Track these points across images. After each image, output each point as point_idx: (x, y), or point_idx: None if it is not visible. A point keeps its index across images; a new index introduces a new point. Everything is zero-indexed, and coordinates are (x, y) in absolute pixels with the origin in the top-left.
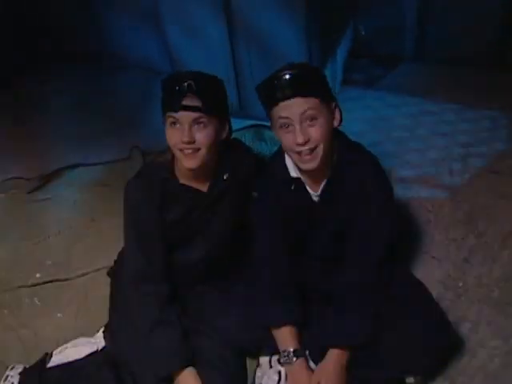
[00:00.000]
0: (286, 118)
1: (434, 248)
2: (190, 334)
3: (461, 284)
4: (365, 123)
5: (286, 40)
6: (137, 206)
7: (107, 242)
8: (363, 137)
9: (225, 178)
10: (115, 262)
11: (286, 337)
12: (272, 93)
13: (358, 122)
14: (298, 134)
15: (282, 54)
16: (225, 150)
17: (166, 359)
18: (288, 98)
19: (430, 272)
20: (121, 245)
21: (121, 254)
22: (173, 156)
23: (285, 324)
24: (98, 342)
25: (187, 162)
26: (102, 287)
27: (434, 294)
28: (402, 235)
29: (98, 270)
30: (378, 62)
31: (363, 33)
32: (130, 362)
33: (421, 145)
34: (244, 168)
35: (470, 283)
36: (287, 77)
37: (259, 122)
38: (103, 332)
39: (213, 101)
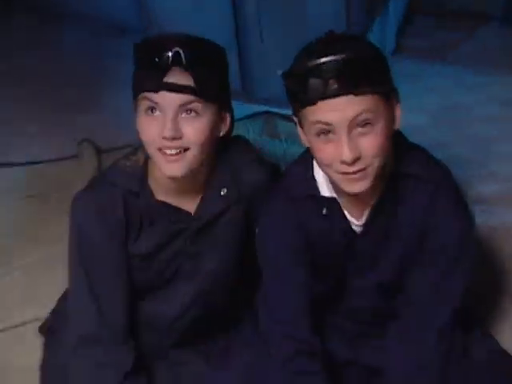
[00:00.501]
0: (328, 124)
1: None
2: None
3: None
4: (426, 114)
5: None
6: (88, 233)
7: (38, 283)
8: (423, 134)
9: (222, 193)
10: (52, 312)
11: None
12: (308, 87)
13: (416, 112)
14: (346, 148)
15: (305, 8)
16: (223, 153)
17: None
18: (334, 95)
19: None
20: (60, 288)
21: (61, 302)
22: (146, 159)
23: None
24: None
25: (169, 168)
26: (30, 349)
27: None
28: (482, 279)
29: (24, 323)
30: (448, 22)
31: None
32: None
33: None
34: (251, 180)
35: None
36: (334, 64)
37: (270, 109)
38: None
39: (210, 79)
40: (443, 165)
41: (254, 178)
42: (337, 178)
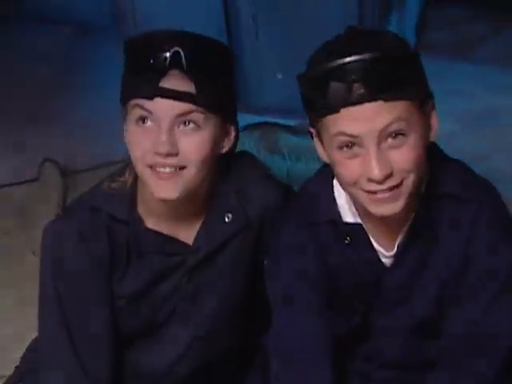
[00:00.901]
0: (353, 136)
1: None
2: None
3: None
4: (452, 120)
5: None
6: (66, 268)
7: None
8: (451, 144)
9: (227, 219)
10: (18, 366)
11: None
12: (327, 92)
13: (442, 118)
14: (374, 164)
15: (311, 3)
16: (227, 171)
17: None
18: (360, 102)
19: None
20: (25, 337)
21: (29, 355)
22: (135, 179)
23: None
24: None
25: (161, 189)
26: None
27: None
28: None
29: None
30: (476, 11)
31: None
32: None
33: None
34: (260, 199)
35: None
36: (359, 64)
37: (268, 120)
38: None
39: (214, 85)
40: (485, 181)
41: (264, 197)
42: (363, 198)
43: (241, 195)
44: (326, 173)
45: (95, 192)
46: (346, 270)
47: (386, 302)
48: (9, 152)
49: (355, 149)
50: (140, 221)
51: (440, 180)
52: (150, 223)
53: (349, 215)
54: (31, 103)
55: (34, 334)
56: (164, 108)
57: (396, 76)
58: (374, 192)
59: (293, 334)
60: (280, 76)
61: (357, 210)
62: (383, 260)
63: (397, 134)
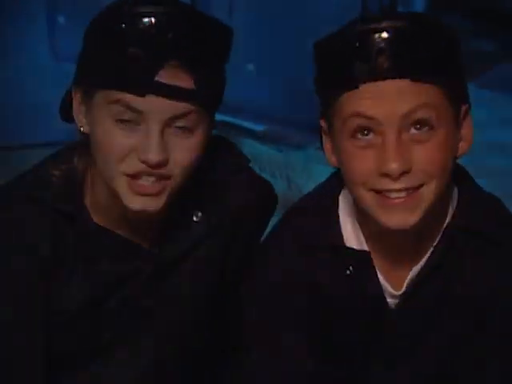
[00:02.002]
0: (371, 118)
1: None
2: None
3: None
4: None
5: None
6: None
7: None
8: None
9: (195, 218)
10: None
11: None
12: (350, 63)
13: None
14: (392, 155)
15: None
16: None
17: None
18: (384, 77)
19: None
20: None
21: None
22: (85, 167)
23: None
24: None
25: (139, 202)
26: None
27: None
28: None
29: None
30: (487, 26)
31: None
32: None
33: None
34: (241, 200)
35: None
36: (392, 34)
37: (227, 118)
38: None
39: (215, 80)
40: None
41: (241, 196)
42: (372, 204)
43: (214, 193)
44: (331, 187)
45: (32, 180)
46: (343, 308)
47: (386, 352)
48: None
49: (371, 136)
50: (89, 218)
51: (469, 213)
52: (100, 221)
53: (354, 240)
54: None
55: None
56: (157, 108)
57: (429, 55)
58: (387, 192)
59: (268, 375)
60: (251, 67)
61: (364, 234)
62: (388, 300)
63: (422, 125)
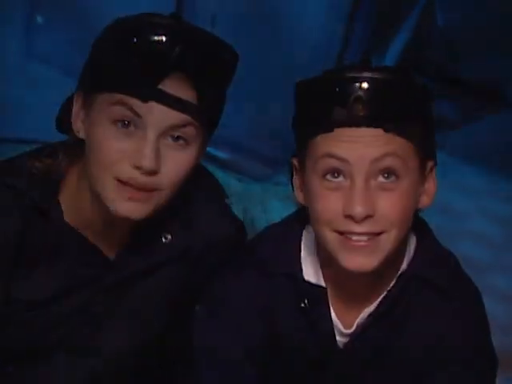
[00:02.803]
0: (343, 160)
1: None
2: None
3: None
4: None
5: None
6: None
7: None
8: None
9: (164, 240)
10: None
11: None
12: (327, 107)
13: None
14: (358, 197)
15: (292, 27)
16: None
17: None
18: (359, 125)
19: None
20: None
21: None
22: (70, 166)
23: None
24: None
25: (126, 207)
26: None
27: None
28: None
29: None
30: (449, 89)
31: (438, 24)
32: None
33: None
34: (211, 230)
35: None
36: (370, 84)
37: None
38: None
39: (217, 97)
40: (472, 282)
41: (213, 230)
42: (335, 243)
43: (187, 219)
44: (296, 220)
45: (13, 168)
46: (292, 338)
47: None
48: None
49: (340, 179)
50: (61, 215)
51: (425, 262)
52: (71, 220)
53: (312, 275)
54: None
55: None
56: (157, 115)
57: (404, 109)
58: (350, 234)
59: None
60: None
61: (323, 271)
62: (338, 338)
63: (390, 174)
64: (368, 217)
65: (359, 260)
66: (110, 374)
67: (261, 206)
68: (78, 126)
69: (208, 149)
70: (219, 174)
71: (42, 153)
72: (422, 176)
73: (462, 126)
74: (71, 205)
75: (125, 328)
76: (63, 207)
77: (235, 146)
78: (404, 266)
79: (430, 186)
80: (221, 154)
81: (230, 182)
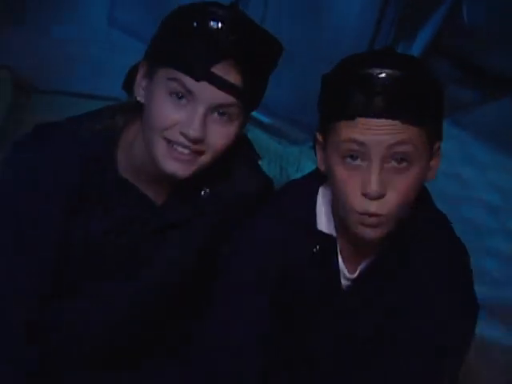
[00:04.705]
0: (362, 144)
1: None
2: None
3: None
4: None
5: None
6: (25, 193)
7: None
8: None
9: (203, 193)
10: None
11: None
12: (350, 98)
13: None
14: (374, 178)
15: (329, 10)
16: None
17: None
18: (378, 115)
19: None
20: None
21: None
22: (126, 126)
23: None
24: None
25: (172, 165)
26: None
27: None
28: None
29: None
30: (468, 76)
31: (466, 20)
32: None
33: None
34: (242, 188)
35: None
36: (389, 81)
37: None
38: None
39: (260, 84)
40: (462, 245)
41: (245, 185)
42: (349, 216)
43: (223, 176)
44: (315, 177)
45: (77, 124)
46: (303, 278)
47: (329, 321)
48: None
49: (358, 162)
50: (117, 167)
51: (421, 224)
52: (126, 172)
53: (325, 225)
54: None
55: None
56: (207, 94)
57: (419, 102)
58: (363, 213)
59: (225, 333)
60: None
61: (335, 223)
62: (342, 281)
63: (402, 159)
64: (381, 196)
65: (370, 232)
66: (149, 304)
67: (296, 165)
68: (140, 92)
69: (254, 114)
70: (262, 137)
71: (104, 113)
72: (430, 156)
73: (478, 106)
74: (125, 159)
75: (164, 265)
76: (119, 161)
77: (277, 113)
78: (403, 224)
79: (435, 162)
80: (265, 120)
81: (271, 144)
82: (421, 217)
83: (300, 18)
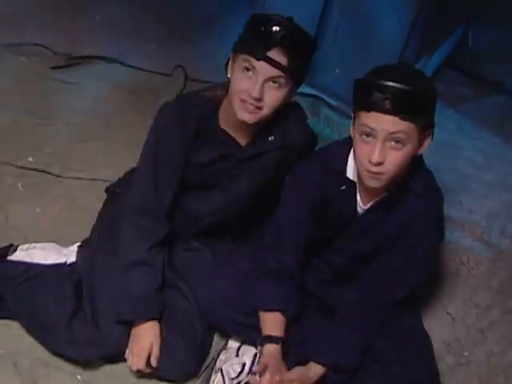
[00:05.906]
0: (372, 129)
1: (453, 305)
2: (168, 287)
3: (466, 353)
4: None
5: (385, 18)
6: (166, 132)
7: (116, 153)
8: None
9: (270, 139)
10: (119, 180)
11: (275, 322)
12: (369, 98)
13: None
14: (377, 151)
15: (375, 31)
16: (281, 111)
17: (135, 305)
18: (385, 112)
19: (439, 328)
20: (131, 163)
21: (128, 175)
22: (224, 95)
23: (280, 310)
24: (68, 254)
25: (242, 114)
26: (94, 201)
27: (434, 352)
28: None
29: (96, 180)
30: (469, 80)
31: (470, 43)
32: (94, 297)
33: (482, 190)
34: (296, 138)
35: (477, 357)
36: (395, 91)
37: (318, 93)
38: (78, 247)
39: (299, 63)
40: (441, 195)
41: (298, 140)
42: (361, 170)
43: (285, 130)
44: (348, 142)
45: (196, 95)
46: (333, 207)
47: (348, 235)
48: (161, 50)
49: (369, 139)
50: (217, 121)
51: (413, 179)
52: (223, 124)
53: (351, 173)
54: (183, 30)
55: None
56: (264, 69)
57: (416, 107)
58: (368, 171)
59: (283, 228)
60: (337, 71)
61: (357, 173)
62: (358, 210)
63: (398, 141)
64: (379, 163)
65: (372, 183)
66: (237, 204)
67: (347, 132)
68: (229, 71)
69: (326, 98)
70: (331, 113)
71: (212, 87)
72: (421, 139)
73: (475, 100)
74: (223, 115)
75: (246, 183)
76: (219, 117)
77: (342, 98)
78: (399, 180)
79: (426, 142)
80: (333, 102)
81: (335, 118)
82: (413, 174)
83: (358, 38)
